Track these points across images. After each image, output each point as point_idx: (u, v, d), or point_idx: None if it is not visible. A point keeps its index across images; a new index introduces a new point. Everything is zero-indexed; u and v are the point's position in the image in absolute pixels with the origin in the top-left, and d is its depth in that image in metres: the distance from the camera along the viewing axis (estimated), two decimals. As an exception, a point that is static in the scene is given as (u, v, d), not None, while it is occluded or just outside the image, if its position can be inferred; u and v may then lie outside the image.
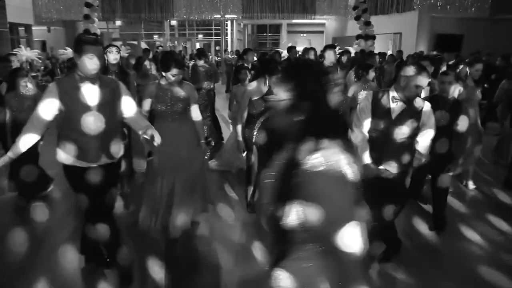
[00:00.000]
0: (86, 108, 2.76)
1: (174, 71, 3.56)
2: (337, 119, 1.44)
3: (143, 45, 19.47)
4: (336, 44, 11.57)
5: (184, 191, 3.79)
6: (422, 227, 4.12)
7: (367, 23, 12.77)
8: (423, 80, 2.89)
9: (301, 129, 1.41)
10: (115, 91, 2.90)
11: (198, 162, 4.07)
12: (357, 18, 13.03)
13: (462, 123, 3.65)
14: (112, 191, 3.07)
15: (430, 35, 15.53)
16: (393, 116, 2.99)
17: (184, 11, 19.50)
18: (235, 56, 15.26)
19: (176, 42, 21.70)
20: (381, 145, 3.04)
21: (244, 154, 4.35)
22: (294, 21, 21.24)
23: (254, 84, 4.20)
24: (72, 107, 2.75)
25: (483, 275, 3.36)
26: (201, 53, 7.21)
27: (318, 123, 1.39)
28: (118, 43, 19.21)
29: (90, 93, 2.79)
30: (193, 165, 3.93)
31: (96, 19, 12.58)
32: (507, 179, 5.12)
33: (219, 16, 19.79)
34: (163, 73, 3.65)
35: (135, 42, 20.38)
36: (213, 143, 4.17)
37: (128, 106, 2.98)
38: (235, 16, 20.19)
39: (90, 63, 2.70)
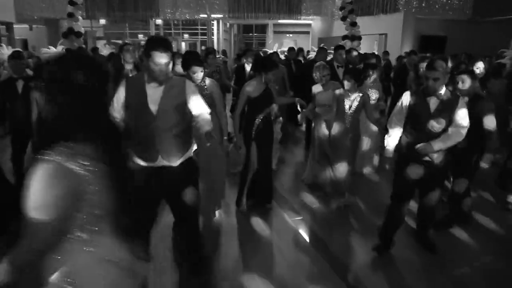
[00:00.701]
0: (145, 109, 2.71)
1: (194, 68, 3.67)
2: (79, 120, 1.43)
3: (128, 44, 19.24)
4: (322, 44, 11.62)
5: (206, 187, 3.93)
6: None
7: (353, 24, 12.82)
8: (432, 72, 3.17)
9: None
10: (180, 92, 2.79)
11: (221, 158, 4.21)
12: (343, 19, 13.08)
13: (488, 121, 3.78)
14: (185, 197, 2.92)
15: (414, 36, 15.71)
16: (432, 110, 3.28)
17: (169, 10, 19.32)
18: (221, 56, 15.17)
19: (161, 41, 21.48)
20: (421, 139, 3.30)
21: (241, 152, 4.41)
22: (280, 21, 21.24)
23: (252, 82, 4.27)
24: (133, 107, 2.73)
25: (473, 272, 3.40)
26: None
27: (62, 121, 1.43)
28: (102, 42, 19.03)
29: (154, 95, 2.71)
30: (216, 161, 4.06)
31: (80, 17, 12.35)
32: (499, 178, 5.13)
33: (205, 15, 19.66)
34: (184, 71, 3.81)
35: (120, 41, 20.12)
36: (235, 139, 4.35)
37: (195, 108, 2.87)
38: (221, 15, 20.10)
39: (156, 68, 2.62)
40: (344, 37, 12.92)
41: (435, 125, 3.28)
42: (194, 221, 3.12)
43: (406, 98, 3.43)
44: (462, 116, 3.27)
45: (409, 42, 15.59)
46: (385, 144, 3.61)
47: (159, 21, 22.04)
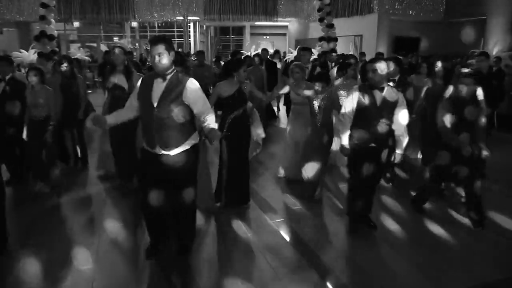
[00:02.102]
0: (149, 101, 3.10)
1: None
2: None
3: (103, 47, 18.88)
4: (299, 46, 11.66)
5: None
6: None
7: (330, 25, 12.97)
8: (372, 65, 3.64)
9: None
10: (179, 89, 3.10)
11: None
12: (320, 20, 13.22)
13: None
14: (179, 182, 3.30)
15: (389, 37, 15.99)
16: (378, 103, 3.69)
17: (145, 12, 19.10)
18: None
19: (137, 44, 21.22)
20: (368, 127, 3.74)
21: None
22: (257, 23, 21.29)
23: (224, 82, 4.40)
24: (141, 98, 3.17)
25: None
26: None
27: None
28: (76, 45, 18.64)
29: (157, 89, 3.10)
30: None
31: (53, 20, 12.07)
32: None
33: (181, 17, 19.51)
34: None
35: (94, 44, 19.76)
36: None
37: (194, 105, 3.16)
38: (197, 18, 19.99)
39: (154, 60, 3.03)
40: (321, 39, 13.06)
41: (383, 120, 3.69)
42: (185, 210, 3.42)
43: (354, 95, 3.76)
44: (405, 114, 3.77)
45: (384, 43, 15.86)
46: (342, 142, 3.92)
47: (134, 24, 21.77)
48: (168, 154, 3.19)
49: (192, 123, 3.30)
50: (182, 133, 3.19)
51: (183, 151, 3.22)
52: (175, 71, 3.17)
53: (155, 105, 3.08)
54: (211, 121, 3.20)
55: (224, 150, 4.44)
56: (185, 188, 3.34)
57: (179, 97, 3.09)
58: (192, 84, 3.16)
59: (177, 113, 3.10)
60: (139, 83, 3.29)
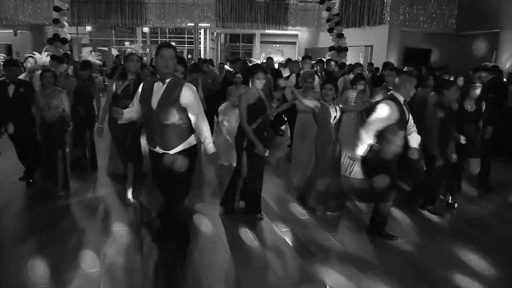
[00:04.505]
0: (149, 104, 3.28)
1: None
2: None
3: (114, 52, 19.07)
4: (309, 55, 11.65)
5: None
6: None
7: (340, 35, 12.98)
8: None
9: None
10: (177, 92, 3.24)
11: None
12: (330, 30, 13.23)
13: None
14: (176, 179, 3.41)
15: (399, 48, 15.95)
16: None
17: (156, 18, 19.27)
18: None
19: (148, 49, 21.40)
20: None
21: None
22: (267, 31, 21.37)
23: (248, 90, 4.34)
24: (143, 101, 3.35)
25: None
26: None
27: None
28: (88, 49, 18.82)
29: (157, 92, 3.26)
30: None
31: (66, 24, 12.20)
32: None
33: (192, 24, 19.65)
34: None
35: (106, 49, 19.97)
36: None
37: (189, 108, 3.29)
38: (208, 24, 20.12)
39: (162, 61, 3.19)
40: (331, 48, 13.07)
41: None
42: (174, 210, 3.55)
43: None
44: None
45: (394, 55, 15.82)
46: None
47: (146, 29, 21.96)
48: (168, 153, 3.34)
49: (190, 125, 3.40)
50: (180, 134, 3.34)
51: (182, 150, 3.36)
52: (173, 76, 3.35)
53: (154, 108, 3.25)
54: (208, 140, 3.39)
55: (243, 160, 4.32)
56: (177, 188, 3.47)
57: (177, 100, 3.23)
58: (189, 87, 3.31)
59: (175, 115, 3.24)
60: (140, 87, 3.46)
